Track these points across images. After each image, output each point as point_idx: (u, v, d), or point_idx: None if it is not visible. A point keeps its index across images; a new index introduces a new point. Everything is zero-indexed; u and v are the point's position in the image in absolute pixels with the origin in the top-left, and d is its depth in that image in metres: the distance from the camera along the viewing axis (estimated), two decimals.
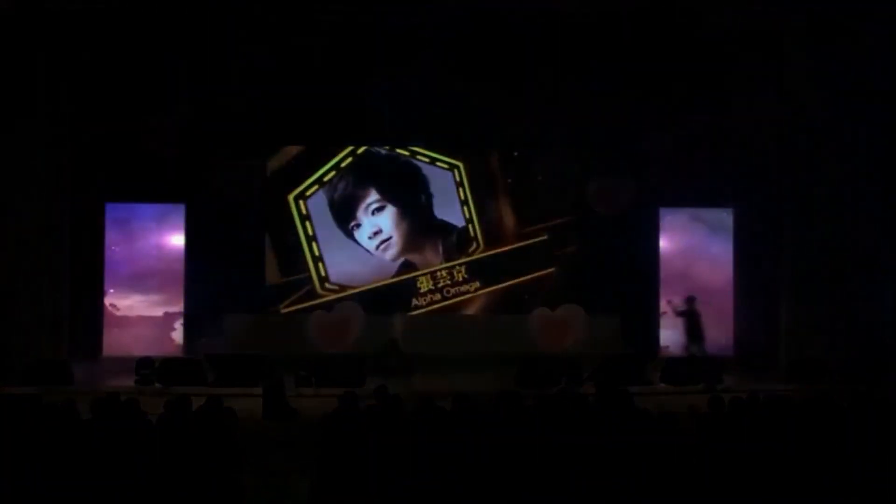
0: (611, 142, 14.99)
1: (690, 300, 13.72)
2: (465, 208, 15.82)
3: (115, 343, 14.64)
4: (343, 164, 15.55)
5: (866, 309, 13.82)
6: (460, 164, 15.83)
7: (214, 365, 12.84)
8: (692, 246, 15.31)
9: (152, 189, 14.68)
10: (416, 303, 15.68)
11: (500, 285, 15.74)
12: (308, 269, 15.45)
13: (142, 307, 14.80)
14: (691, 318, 13.58)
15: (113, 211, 14.92)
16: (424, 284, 15.71)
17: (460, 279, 15.75)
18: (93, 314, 14.66)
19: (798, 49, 13.72)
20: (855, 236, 13.94)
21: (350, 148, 15.55)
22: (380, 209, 15.57)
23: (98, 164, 14.45)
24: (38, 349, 13.33)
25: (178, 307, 14.89)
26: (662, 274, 15.18)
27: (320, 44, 13.92)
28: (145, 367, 12.54)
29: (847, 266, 13.84)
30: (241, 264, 15.08)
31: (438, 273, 15.72)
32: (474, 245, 15.79)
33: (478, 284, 15.74)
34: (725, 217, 15.26)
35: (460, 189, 15.81)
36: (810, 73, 13.75)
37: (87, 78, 14.02)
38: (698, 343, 13.50)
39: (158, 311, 14.89)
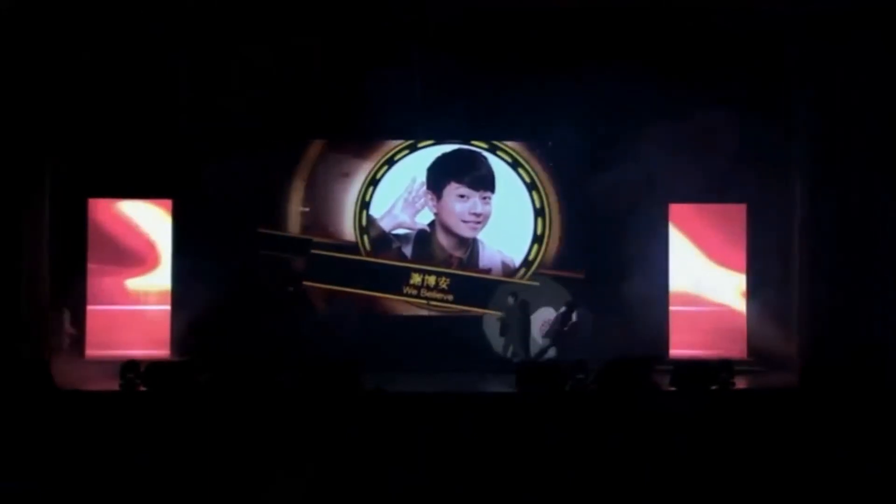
0: (618, 135, 14.66)
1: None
2: None
3: (100, 344, 14.30)
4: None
5: (881, 307, 13.59)
6: None
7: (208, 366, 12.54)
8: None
9: (139, 185, 14.50)
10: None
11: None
12: None
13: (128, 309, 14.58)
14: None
15: (97, 206, 14.69)
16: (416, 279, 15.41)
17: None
18: (76, 314, 14.39)
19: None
20: (871, 232, 13.75)
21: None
22: None
23: (85, 160, 14.32)
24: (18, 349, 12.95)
25: (166, 305, 14.57)
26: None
27: (320, 44, 13.85)
28: (130, 370, 11.95)
29: (861, 263, 13.65)
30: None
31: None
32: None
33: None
34: (737, 212, 14.87)
35: None
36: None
37: (86, 78, 13.94)
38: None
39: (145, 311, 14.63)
